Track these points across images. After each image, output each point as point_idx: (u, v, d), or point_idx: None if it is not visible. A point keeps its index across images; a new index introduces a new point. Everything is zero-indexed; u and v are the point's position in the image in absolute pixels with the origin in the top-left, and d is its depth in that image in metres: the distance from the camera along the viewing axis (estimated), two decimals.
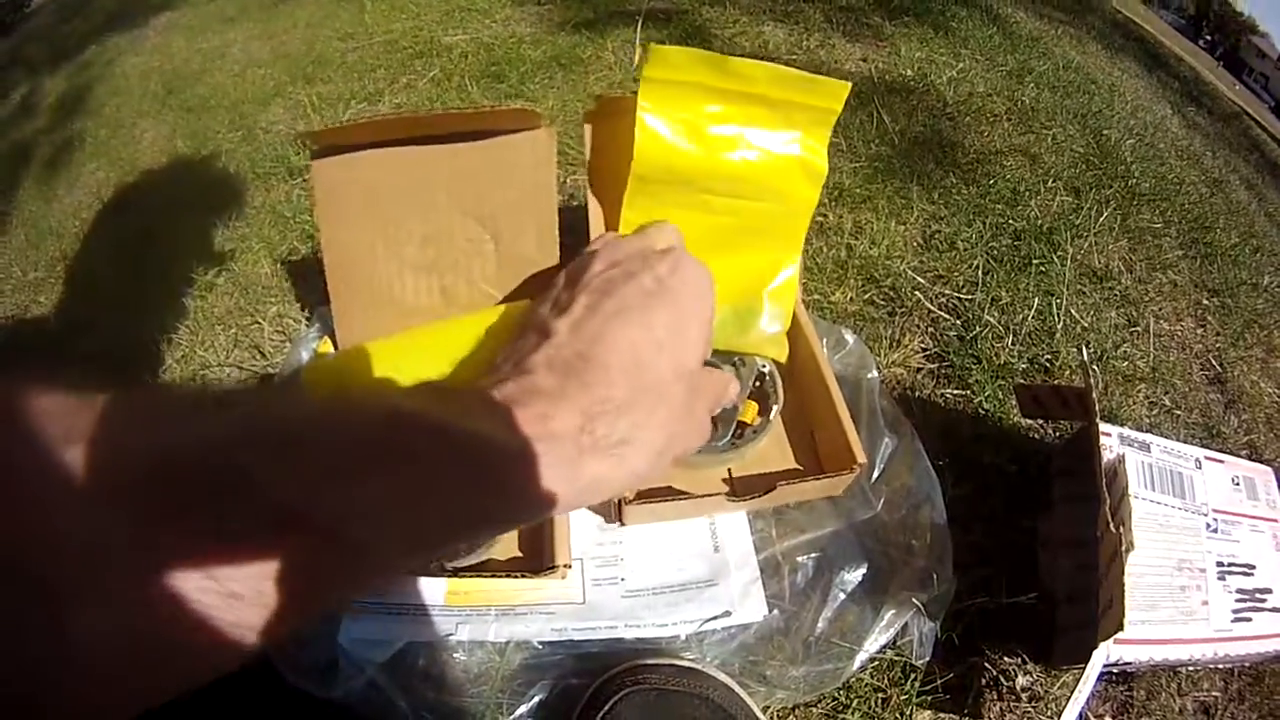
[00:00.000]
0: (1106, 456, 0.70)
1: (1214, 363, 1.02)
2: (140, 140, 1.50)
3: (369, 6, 1.74)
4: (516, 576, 0.63)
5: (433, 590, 0.66)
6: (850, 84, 0.66)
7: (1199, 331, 1.06)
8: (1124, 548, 0.60)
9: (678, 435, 0.36)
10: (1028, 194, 1.16)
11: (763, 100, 0.66)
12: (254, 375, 0.91)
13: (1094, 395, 0.69)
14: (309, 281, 0.99)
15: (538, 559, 0.67)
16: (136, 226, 1.27)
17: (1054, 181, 1.20)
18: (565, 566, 0.61)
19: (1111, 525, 0.62)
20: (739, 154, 0.68)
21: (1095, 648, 0.59)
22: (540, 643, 0.64)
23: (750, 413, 0.72)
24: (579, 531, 0.69)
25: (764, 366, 0.74)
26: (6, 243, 1.36)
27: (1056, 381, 0.90)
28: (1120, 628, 0.57)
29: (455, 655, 0.64)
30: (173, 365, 0.94)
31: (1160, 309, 1.06)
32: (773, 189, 0.70)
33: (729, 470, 0.73)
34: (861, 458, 0.65)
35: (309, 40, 1.67)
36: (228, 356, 0.93)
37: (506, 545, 0.68)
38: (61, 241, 1.29)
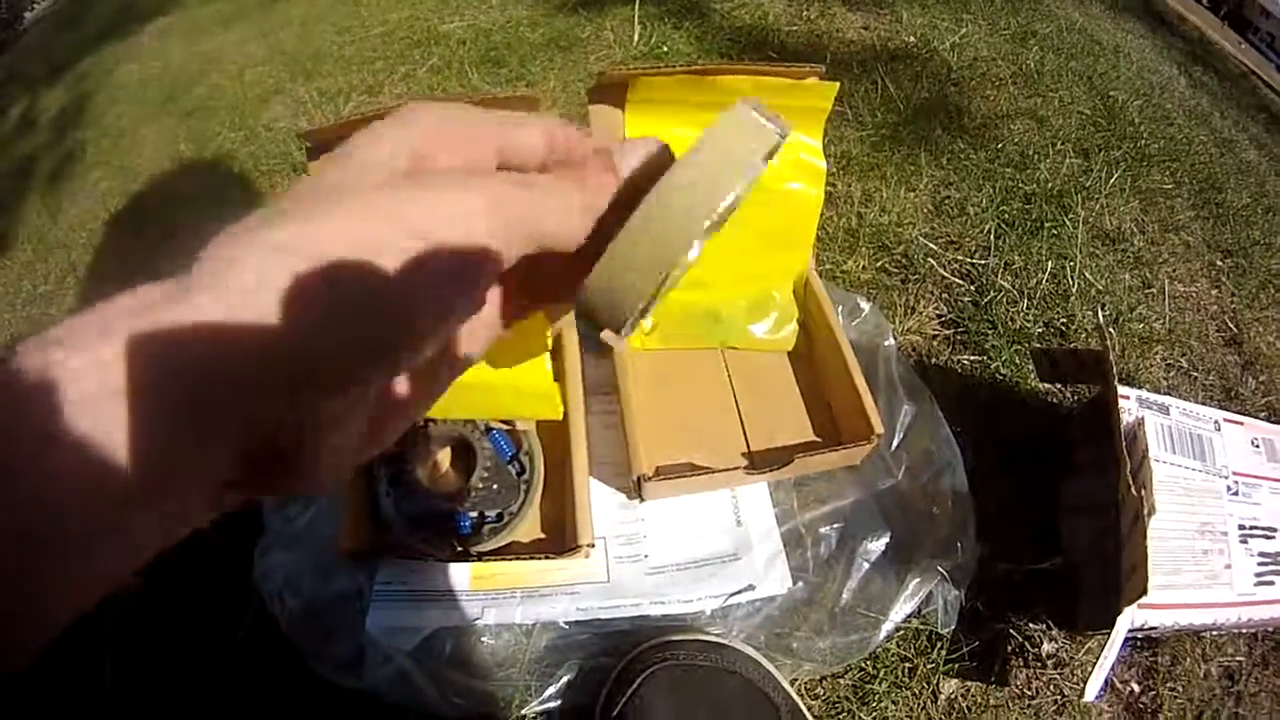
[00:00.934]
0: (1125, 419, 0.70)
1: (1230, 324, 1.00)
2: (142, 147, 1.50)
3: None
4: (540, 558, 0.63)
5: (458, 575, 0.66)
6: (839, 83, 0.66)
7: (1214, 293, 1.05)
8: (1146, 511, 0.59)
9: None
10: (1036, 157, 1.15)
11: None
12: None
13: (1111, 359, 0.68)
14: None
15: (560, 540, 0.67)
16: (144, 234, 1.27)
17: (1062, 144, 1.19)
18: (589, 546, 0.61)
19: (1133, 489, 0.62)
20: None
21: (1119, 613, 0.59)
22: (566, 623, 0.65)
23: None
24: (600, 510, 0.69)
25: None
26: (14, 257, 1.35)
27: (1073, 345, 0.89)
28: (1144, 592, 0.57)
29: (482, 639, 0.65)
30: None
31: (1174, 270, 1.05)
32: (776, 195, 0.71)
33: (746, 442, 0.73)
34: (879, 427, 0.65)
35: (305, 36, 1.67)
36: None
37: (530, 527, 0.69)
38: (70, 253, 1.28)
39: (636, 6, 1.45)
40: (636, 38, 1.38)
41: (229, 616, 0.68)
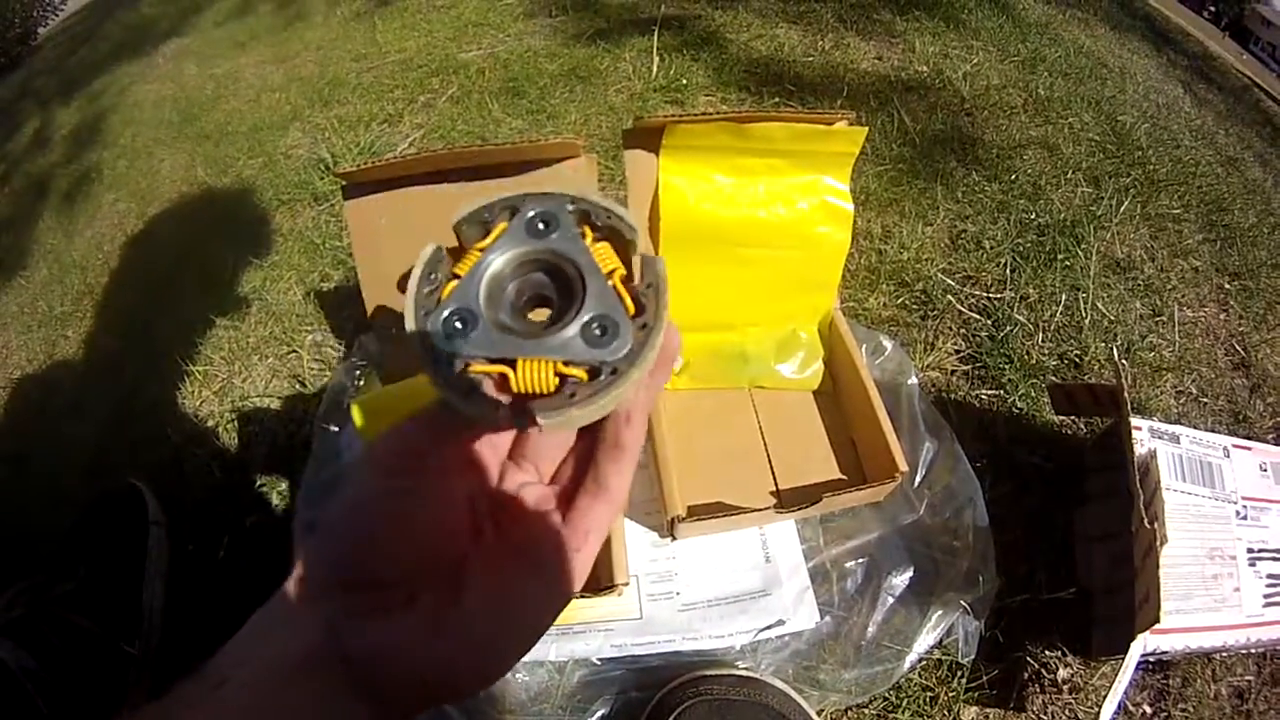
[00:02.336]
0: (1138, 451, 0.72)
1: (1238, 347, 1.02)
2: (159, 170, 1.51)
3: (380, 25, 1.75)
4: (574, 596, 0.64)
5: None
6: (867, 128, 0.68)
7: (1222, 316, 1.07)
8: (1159, 542, 0.62)
9: None
10: (1049, 187, 1.17)
11: (783, 154, 0.68)
12: (295, 406, 0.92)
13: (1126, 395, 0.70)
14: (344, 308, 1.00)
15: (594, 578, 0.68)
16: (161, 257, 1.28)
17: (1074, 173, 1.21)
18: (624, 584, 0.63)
19: (1146, 521, 0.64)
20: (765, 209, 0.71)
21: (1133, 639, 0.61)
22: (600, 659, 0.66)
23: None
24: (633, 548, 0.70)
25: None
26: (30, 277, 1.36)
27: (1087, 377, 0.91)
28: (1157, 620, 0.59)
29: (516, 675, 0.66)
30: (210, 398, 0.96)
31: (1183, 296, 1.06)
32: (803, 236, 0.73)
33: (775, 481, 0.75)
34: (903, 466, 0.66)
35: (322, 62, 1.68)
36: (267, 387, 0.95)
37: None
38: (86, 274, 1.29)
39: (655, 38, 1.47)
40: (655, 70, 1.40)
41: None
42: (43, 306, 1.27)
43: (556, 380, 0.30)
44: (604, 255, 0.32)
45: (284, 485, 0.85)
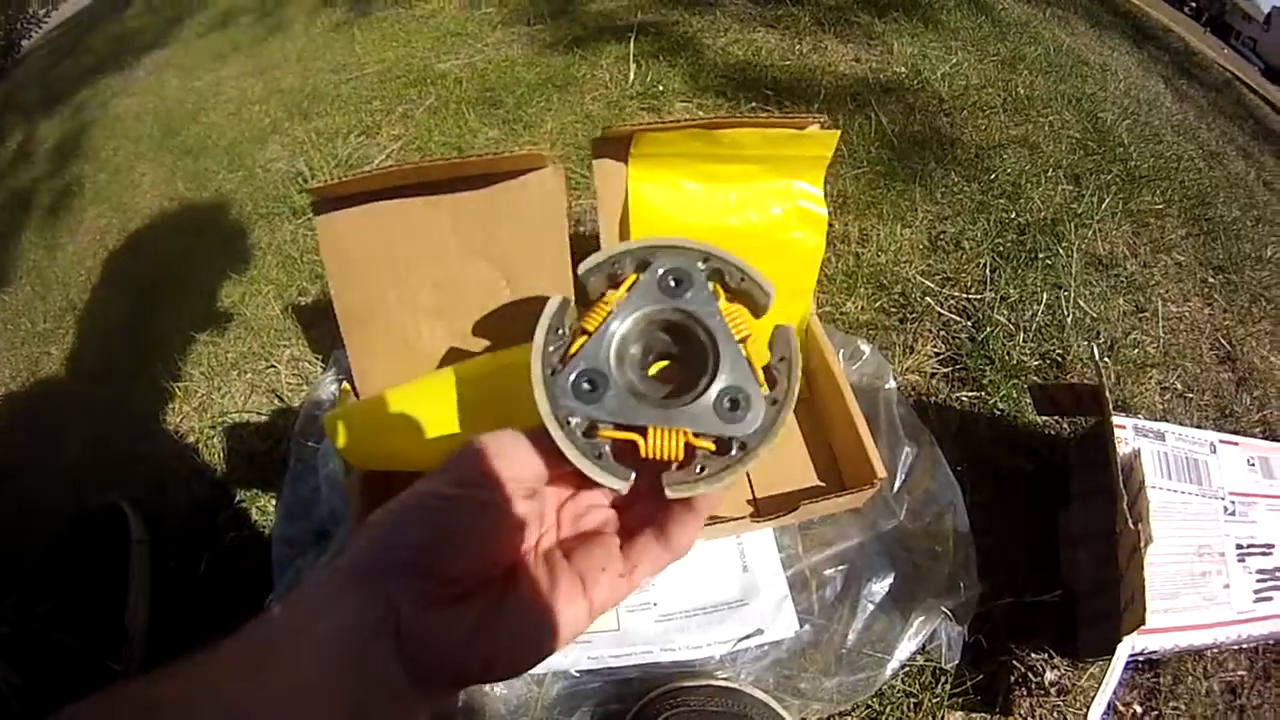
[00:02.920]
0: (1122, 451, 0.71)
1: (1223, 341, 1.02)
2: (140, 184, 1.50)
3: (359, 36, 1.74)
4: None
5: None
6: (840, 131, 0.67)
7: (1206, 311, 1.07)
8: (1143, 543, 0.61)
9: None
10: (1029, 186, 1.16)
11: (754, 159, 0.67)
12: (274, 421, 0.92)
13: (1107, 394, 0.70)
14: (321, 323, 0.99)
15: None
16: (142, 272, 1.27)
17: (1054, 170, 1.21)
18: None
19: (1130, 522, 0.63)
20: (737, 216, 0.70)
21: (1119, 641, 0.60)
22: (578, 671, 0.66)
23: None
24: None
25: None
26: (13, 293, 1.36)
27: (1070, 376, 0.91)
28: (1142, 622, 0.58)
29: (495, 688, 0.65)
30: (190, 414, 0.95)
31: (1167, 291, 1.06)
32: (776, 242, 0.72)
33: (751, 489, 0.74)
34: (881, 472, 0.66)
35: (302, 74, 1.67)
36: (246, 402, 0.94)
37: None
38: (68, 291, 1.29)
39: (632, 45, 1.46)
40: (632, 77, 1.39)
41: None
42: (25, 324, 1.26)
43: (684, 451, 0.30)
44: (737, 320, 0.33)
45: (264, 501, 0.84)
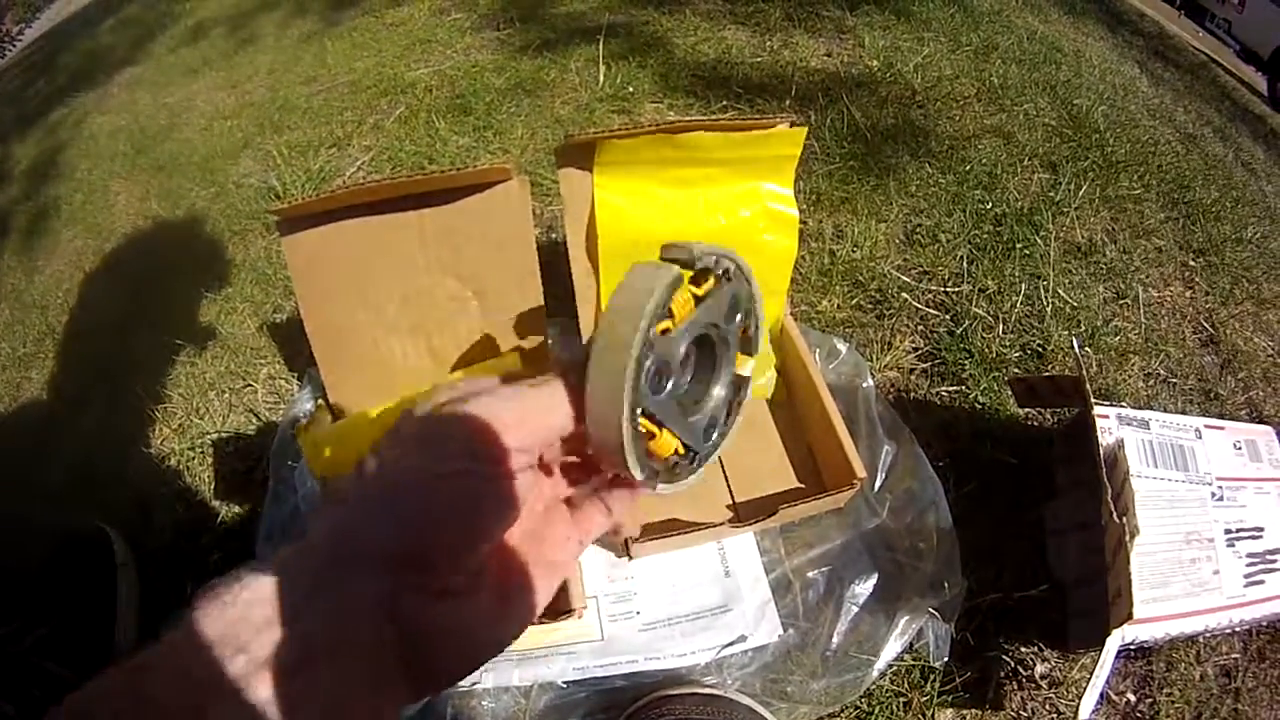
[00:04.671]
0: (1105, 441, 0.71)
1: (1205, 324, 1.02)
2: (114, 204, 1.50)
3: (330, 46, 1.73)
4: (534, 621, 0.63)
5: None
6: (807, 128, 0.66)
7: (1188, 294, 1.06)
8: (1128, 536, 0.60)
9: None
10: (1005, 176, 1.16)
11: (720, 162, 0.66)
12: (253, 440, 0.91)
13: (1088, 386, 0.69)
14: (297, 340, 0.98)
15: (553, 603, 0.67)
16: (119, 294, 1.27)
17: (1030, 159, 1.20)
18: (582, 608, 0.62)
19: (1115, 515, 0.62)
20: (706, 220, 0.70)
21: (1108, 634, 0.59)
22: (564, 682, 0.65)
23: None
24: (591, 570, 0.69)
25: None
26: None
27: (1051, 367, 0.90)
28: (1129, 617, 0.58)
29: (482, 703, 0.65)
30: (170, 436, 0.94)
31: (1147, 277, 1.06)
32: (747, 245, 0.71)
33: (730, 494, 0.73)
34: (861, 473, 0.65)
35: (273, 86, 1.66)
36: (224, 423, 0.93)
37: None
38: (46, 314, 1.28)
39: (601, 47, 1.45)
40: (602, 79, 1.39)
41: None
42: (5, 348, 1.26)
43: (675, 454, 0.33)
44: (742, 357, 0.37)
45: (245, 521, 0.84)
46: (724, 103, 1.32)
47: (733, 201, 0.69)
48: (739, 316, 0.35)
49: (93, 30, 2.67)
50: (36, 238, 1.54)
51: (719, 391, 0.35)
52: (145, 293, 1.22)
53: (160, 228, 1.36)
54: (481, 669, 0.65)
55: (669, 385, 0.31)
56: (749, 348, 0.37)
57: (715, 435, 0.35)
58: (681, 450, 0.33)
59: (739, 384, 0.37)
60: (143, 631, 0.77)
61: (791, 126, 0.66)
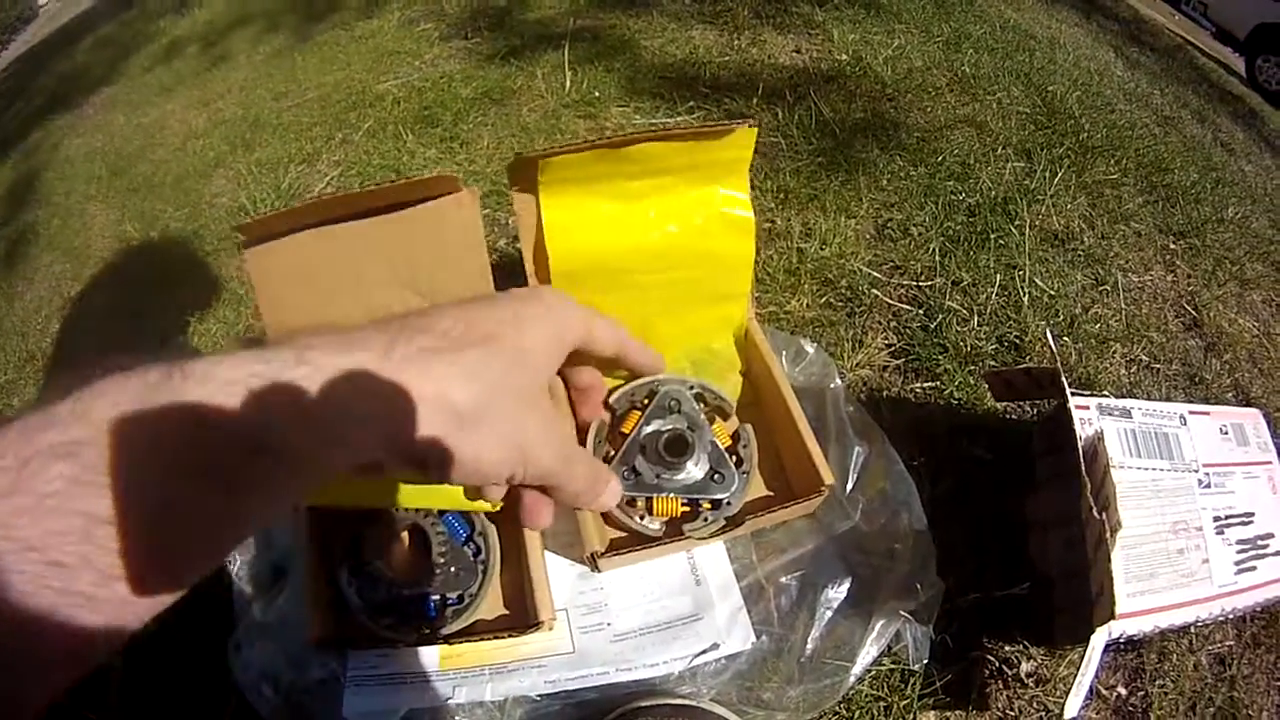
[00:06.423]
0: (1085, 432, 0.69)
1: (1188, 307, 1.01)
2: (91, 227, 1.50)
3: (300, 61, 1.73)
4: (504, 635, 0.63)
5: (427, 657, 0.66)
6: (757, 127, 0.64)
7: (1169, 278, 1.05)
8: (1109, 531, 0.59)
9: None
10: (978, 165, 1.15)
11: (669, 170, 0.65)
12: None
13: (1064, 379, 0.68)
14: None
15: (524, 615, 0.66)
16: (98, 318, 1.27)
17: (1003, 148, 1.20)
18: (550, 620, 0.61)
19: (1095, 510, 0.61)
20: (659, 231, 0.68)
21: (1092, 632, 0.58)
22: (537, 695, 0.64)
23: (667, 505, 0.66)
24: (560, 582, 0.68)
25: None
26: None
27: (1028, 359, 0.89)
28: (1112, 616, 0.56)
29: (456, 718, 0.64)
30: None
31: (1127, 261, 1.05)
32: (704, 252, 0.70)
33: None
34: (829, 478, 0.64)
35: (244, 103, 1.66)
36: None
37: (492, 604, 0.68)
38: (27, 341, 1.29)
39: (566, 53, 1.45)
40: (568, 85, 1.38)
41: (211, 713, 0.67)
42: None
43: (684, 508, 0.63)
44: (712, 423, 0.65)
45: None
46: (690, 103, 1.31)
47: (685, 209, 0.68)
48: (683, 409, 0.64)
49: (69, 51, 2.67)
50: (15, 264, 1.55)
51: (708, 456, 0.64)
52: (121, 317, 1.22)
53: (135, 250, 1.36)
54: (454, 685, 0.65)
55: (640, 472, 0.62)
56: (723, 414, 0.66)
57: (728, 480, 0.64)
58: (686, 506, 0.62)
59: (742, 433, 0.67)
60: (127, 658, 0.75)
61: (750, 128, 0.65)
